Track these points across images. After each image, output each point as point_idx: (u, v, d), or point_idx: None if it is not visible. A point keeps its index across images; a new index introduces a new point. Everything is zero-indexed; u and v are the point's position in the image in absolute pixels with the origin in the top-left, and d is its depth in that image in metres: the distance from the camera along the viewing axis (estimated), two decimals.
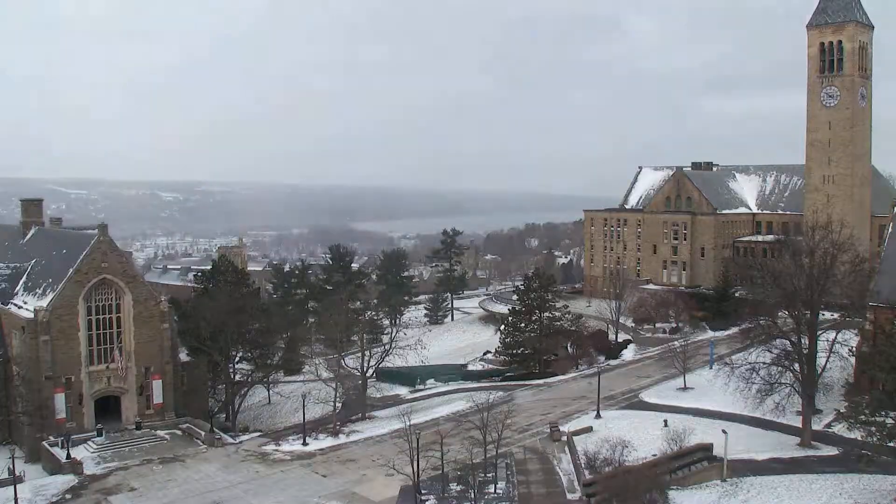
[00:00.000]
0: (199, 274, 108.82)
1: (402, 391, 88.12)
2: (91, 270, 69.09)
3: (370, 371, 77.90)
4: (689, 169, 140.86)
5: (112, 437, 66.82)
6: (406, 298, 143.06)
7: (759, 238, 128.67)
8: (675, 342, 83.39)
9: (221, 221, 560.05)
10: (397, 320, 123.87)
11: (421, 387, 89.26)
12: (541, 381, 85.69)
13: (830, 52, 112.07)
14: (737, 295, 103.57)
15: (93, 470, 59.91)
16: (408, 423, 53.85)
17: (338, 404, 75.02)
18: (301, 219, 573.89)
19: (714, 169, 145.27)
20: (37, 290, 71.27)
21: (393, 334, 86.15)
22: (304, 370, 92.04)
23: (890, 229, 69.46)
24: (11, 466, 53.64)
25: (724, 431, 50.56)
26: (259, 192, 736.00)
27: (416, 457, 49.58)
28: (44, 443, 64.05)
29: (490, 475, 51.53)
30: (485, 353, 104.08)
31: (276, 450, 64.44)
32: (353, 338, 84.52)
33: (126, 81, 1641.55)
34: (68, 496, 54.50)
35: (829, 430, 58.04)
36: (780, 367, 56.51)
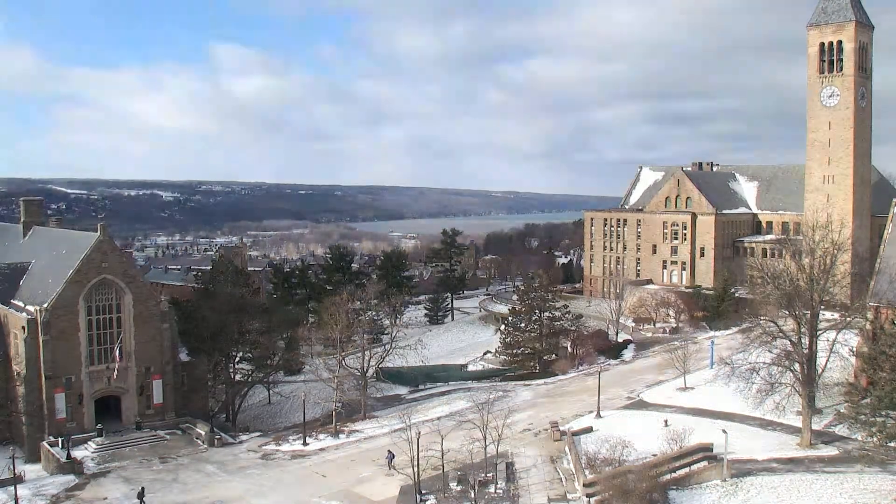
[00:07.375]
0: (200, 274, 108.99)
1: (402, 391, 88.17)
2: (91, 270, 69.12)
3: (370, 371, 77.88)
4: (689, 169, 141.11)
5: (112, 437, 66.89)
6: (406, 298, 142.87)
7: (760, 238, 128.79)
8: (675, 342, 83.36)
9: (221, 221, 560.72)
10: (397, 320, 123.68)
11: (421, 386, 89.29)
12: (541, 381, 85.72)
13: (830, 52, 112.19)
14: (737, 295, 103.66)
15: (93, 470, 60.03)
16: (408, 423, 53.88)
17: (338, 404, 75.06)
18: (301, 219, 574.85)
19: (714, 169, 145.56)
20: (37, 290, 71.27)
21: (393, 334, 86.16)
22: (304, 370, 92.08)
23: (889, 229, 69.38)
24: (11, 466, 53.70)
25: (724, 431, 50.49)
26: (259, 192, 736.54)
27: (416, 457, 49.60)
28: (44, 443, 64.14)
29: (490, 475, 51.57)
30: (485, 353, 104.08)
31: (277, 450, 64.45)
32: (353, 338, 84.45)
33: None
34: (68, 496, 54.54)
35: (830, 430, 57.94)
36: (780, 367, 56.39)
